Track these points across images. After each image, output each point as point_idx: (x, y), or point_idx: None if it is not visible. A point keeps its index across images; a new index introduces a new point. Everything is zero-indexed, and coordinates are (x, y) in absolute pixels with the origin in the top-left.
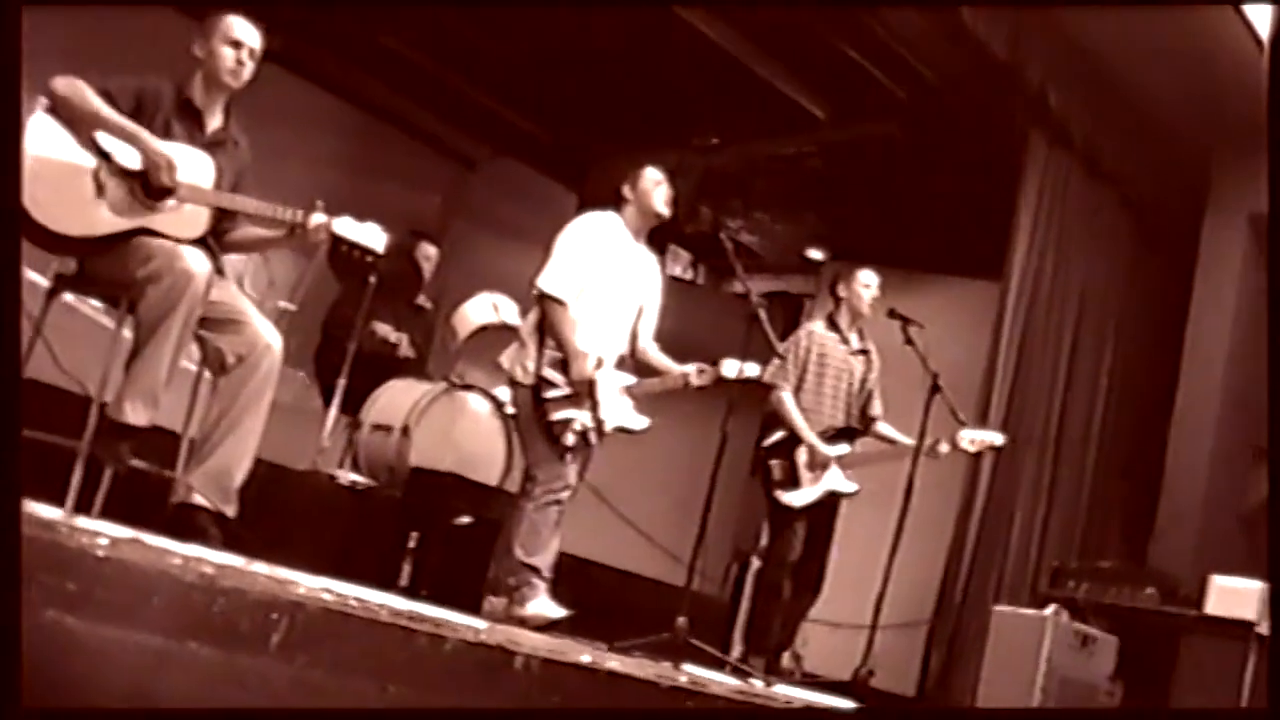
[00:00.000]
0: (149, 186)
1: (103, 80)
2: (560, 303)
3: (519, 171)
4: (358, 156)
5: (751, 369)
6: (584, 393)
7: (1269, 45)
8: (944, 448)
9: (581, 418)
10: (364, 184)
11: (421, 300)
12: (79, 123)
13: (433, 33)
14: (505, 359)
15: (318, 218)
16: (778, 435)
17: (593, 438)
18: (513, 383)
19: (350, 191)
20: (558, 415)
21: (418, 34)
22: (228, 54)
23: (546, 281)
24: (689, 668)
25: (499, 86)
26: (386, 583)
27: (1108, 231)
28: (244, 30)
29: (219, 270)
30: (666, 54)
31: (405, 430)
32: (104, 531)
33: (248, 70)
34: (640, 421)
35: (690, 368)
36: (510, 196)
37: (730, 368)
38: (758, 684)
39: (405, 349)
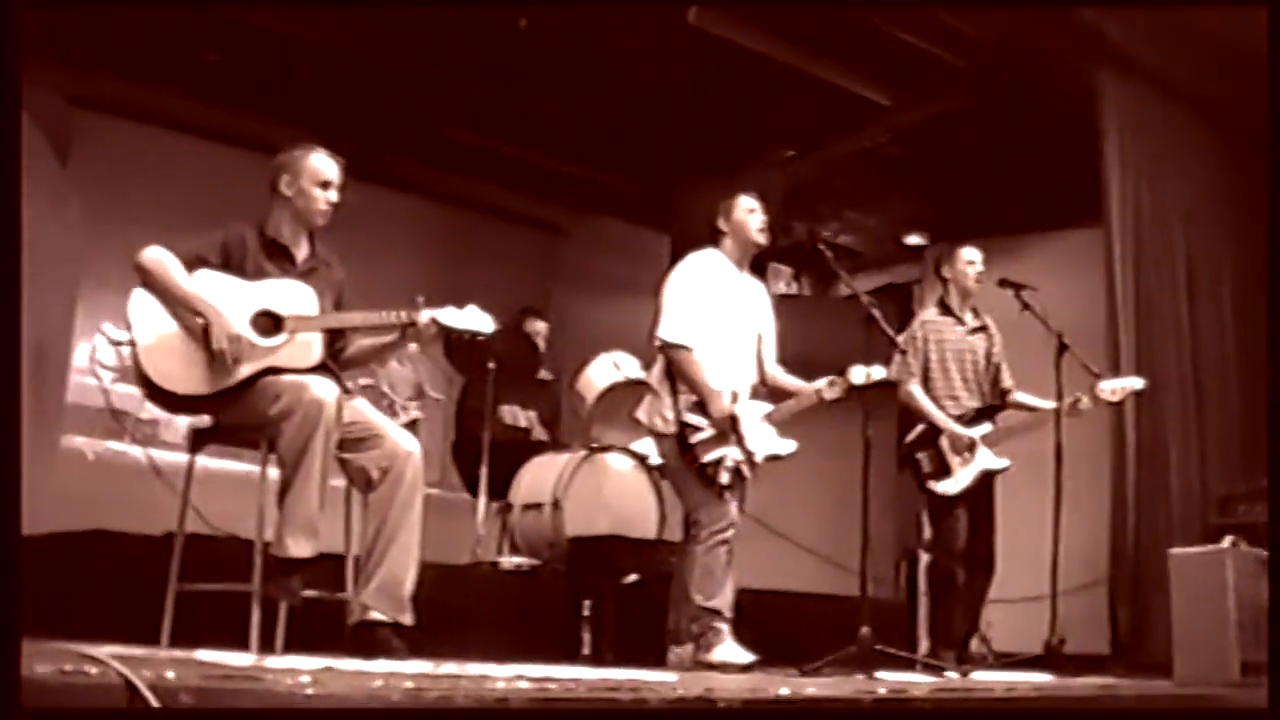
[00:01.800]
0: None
1: (189, 244)
2: (685, 348)
3: (608, 227)
4: (448, 249)
5: (878, 372)
6: (728, 429)
7: (1269, 45)
8: (1085, 403)
9: (731, 454)
10: (460, 274)
11: (543, 374)
12: (163, 298)
13: (490, 111)
14: (642, 413)
15: (424, 314)
16: (919, 428)
17: (746, 471)
18: (655, 434)
19: (448, 284)
20: (708, 456)
21: (476, 117)
22: (318, 195)
23: (667, 331)
24: (883, 675)
25: (569, 149)
26: (570, 655)
27: (1196, 150)
28: (331, 168)
29: (345, 390)
30: (723, 79)
31: (556, 504)
32: (301, 668)
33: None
34: (788, 446)
35: (821, 383)
36: (604, 253)
37: (858, 374)
38: (953, 676)
39: (537, 431)
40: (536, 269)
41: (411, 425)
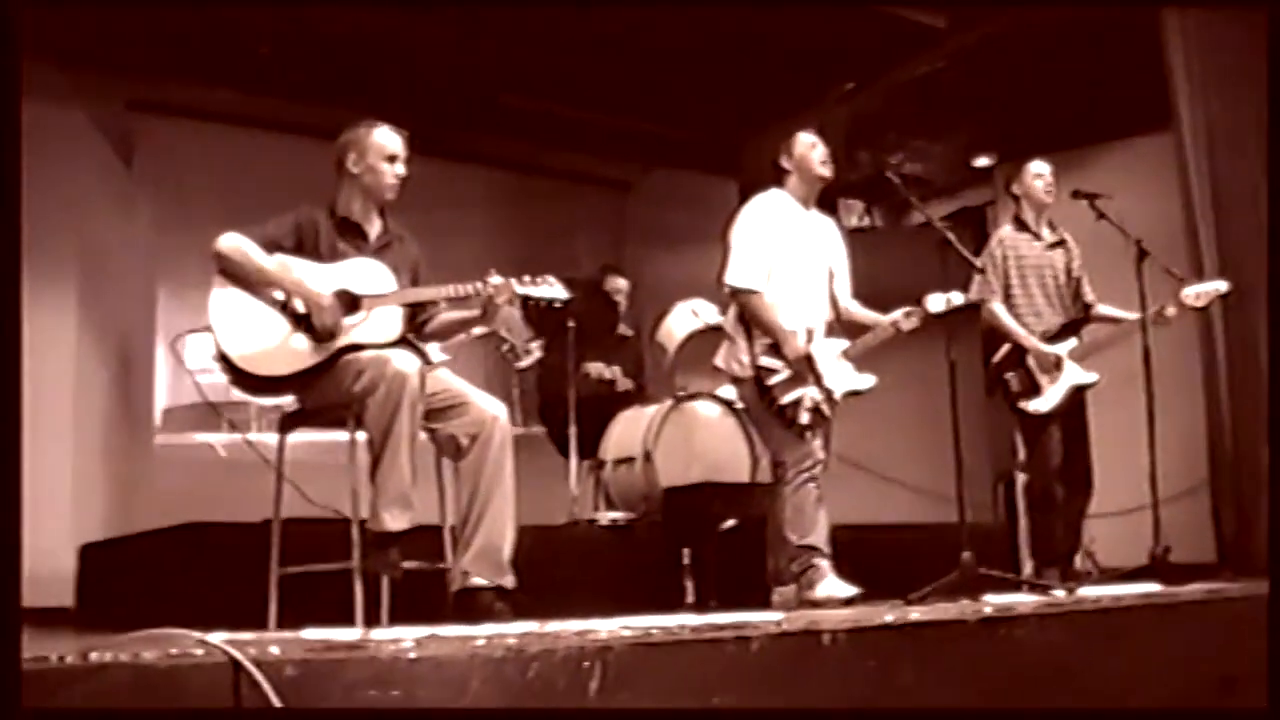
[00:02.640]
0: (316, 329)
1: (262, 229)
2: (753, 292)
3: (674, 178)
4: (518, 217)
5: (957, 298)
6: (804, 369)
7: (1269, 44)
8: (1170, 310)
9: (810, 393)
10: (532, 241)
11: (623, 329)
12: (246, 281)
13: (547, 74)
14: (720, 359)
15: (495, 280)
16: (1004, 349)
17: (826, 409)
18: (734, 380)
19: (521, 252)
20: (786, 398)
21: (533, 81)
22: (386, 169)
23: (734, 276)
24: (988, 598)
25: (627, 104)
26: (674, 605)
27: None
28: (396, 142)
29: (427, 361)
30: (774, 19)
31: (647, 456)
32: (405, 637)
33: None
34: (866, 380)
35: (897, 314)
36: (673, 205)
37: (936, 302)
38: (1060, 594)
39: (622, 382)
40: (608, 227)
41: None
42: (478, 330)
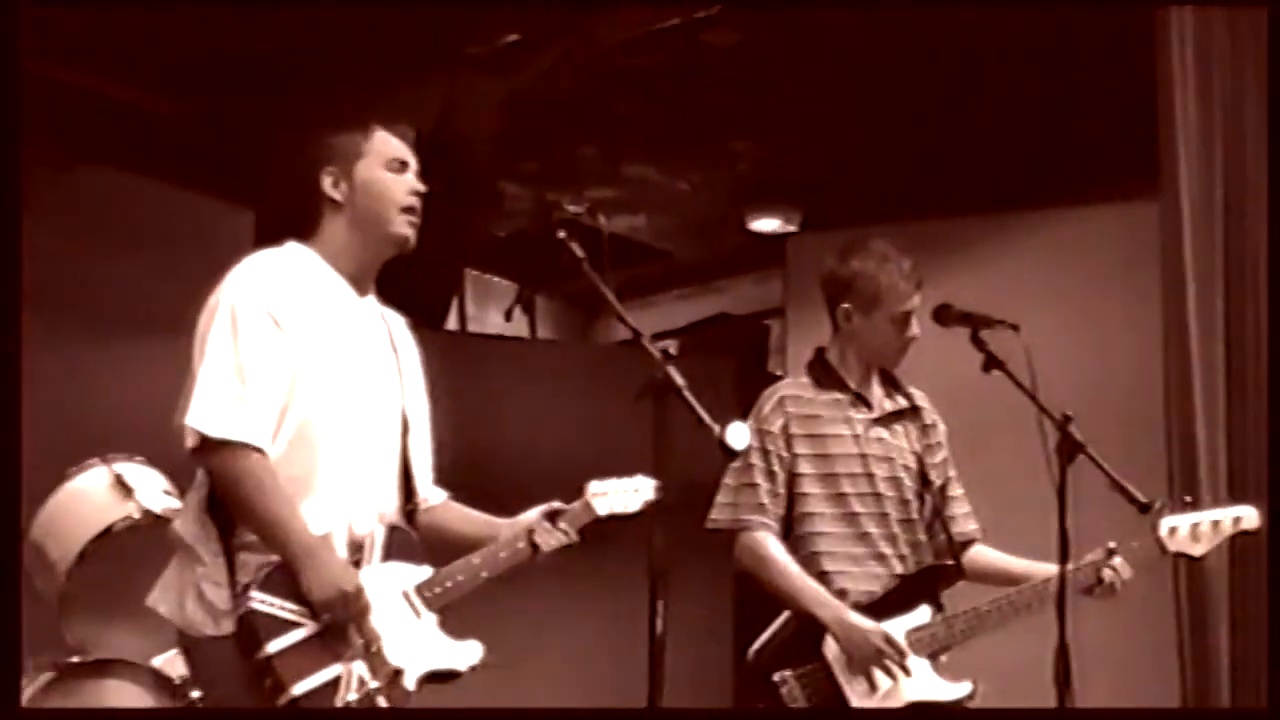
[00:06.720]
0: None
1: None
2: (243, 447)
3: (119, 188)
4: None
5: (645, 488)
6: (344, 619)
7: (1269, 45)
8: (1120, 570)
9: (356, 673)
10: None
11: None
12: None
13: None
14: (160, 596)
15: None
16: (780, 621)
17: (381, 703)
18: (186, 647)
19: None
20: (304, 684)
21: None
22: None
23: (204, 416)
24: None
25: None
26: None
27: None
28: None
29: None
30: None
31: None
32: None
33: None
34: (467, 654)
35: (531, 515)
36: (108, 243)
37: (611, 497)
38: None
39: None
40: None
41: None
42: None
